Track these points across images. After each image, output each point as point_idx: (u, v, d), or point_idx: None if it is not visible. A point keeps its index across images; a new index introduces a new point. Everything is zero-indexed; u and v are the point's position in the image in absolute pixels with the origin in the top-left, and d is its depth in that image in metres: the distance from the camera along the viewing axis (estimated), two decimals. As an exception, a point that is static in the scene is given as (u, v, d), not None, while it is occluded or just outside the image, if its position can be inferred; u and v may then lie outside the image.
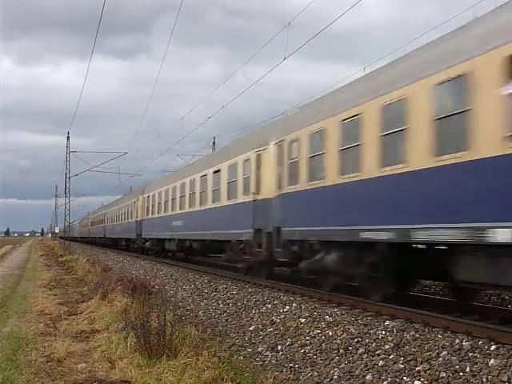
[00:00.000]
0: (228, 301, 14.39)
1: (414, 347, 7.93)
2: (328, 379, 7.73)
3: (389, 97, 10.35)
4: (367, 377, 7.45)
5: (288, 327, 10.56)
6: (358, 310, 10.84)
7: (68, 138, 52.62)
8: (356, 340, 8.86)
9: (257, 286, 15.95)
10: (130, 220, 40.56)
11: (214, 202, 21.20)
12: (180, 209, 26.24)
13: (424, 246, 10.26)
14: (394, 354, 7.91)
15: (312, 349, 9.08)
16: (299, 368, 8.42)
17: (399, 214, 9.98)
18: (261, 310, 12.39)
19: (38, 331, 10.82)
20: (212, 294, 15.86)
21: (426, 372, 7.06)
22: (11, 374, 7.69)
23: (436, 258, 9.83)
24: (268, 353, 9.46)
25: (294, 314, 11.24)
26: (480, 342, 7.56)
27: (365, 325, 9.50)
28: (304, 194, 13.38)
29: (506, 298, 12.36)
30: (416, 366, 7.31)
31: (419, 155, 9.43)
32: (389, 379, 7.18)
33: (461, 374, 6.77)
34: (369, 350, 8.33)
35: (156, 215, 31.95)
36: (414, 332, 8.55)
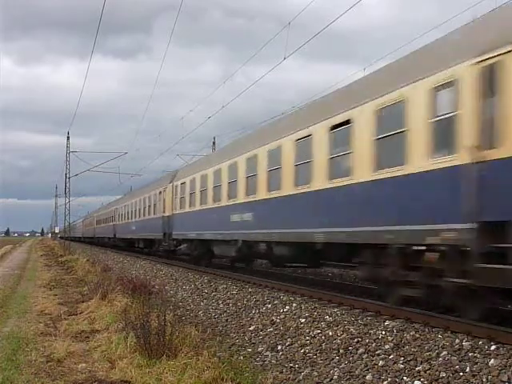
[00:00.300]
0: (228, 301, 14.39)
1: (414, 347, 7.93)
2: (328, 379, 7.73)
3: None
4: (367, 377, 7.45)
5: (288, 327, 10.56)
6: (357, 310, 10.85)
7: (68, 137, 52.61)
8: (356, 340, 8.86)
9: (257, 285, 15.96)
10: (152, 215, 32.24)
11: (331, 179, 12.47)
12: (248, 195, 17.33)
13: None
14: (394, 354, 7.91)
15: (312, 349, 9.09)
16: (299, 368, 8.42)
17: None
18: (261, 310, 12.39)
19: (38, 331, 10.81)
20: (212, 294, 15.86)
21: (425, 372, 7.07)
22: (11, 374, 7.69)
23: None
24: (268, 353, 9.46)
25: (294, 314, 11.24)
26: (480, 342, 7.57)
27: (365, 325, 9.50)
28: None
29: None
30: (416, 366, 7.31)
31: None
32: (389, 379, 7.19)
33: (461, 373, 6.77)
34: (369, 350, 8.33)
35: (197, 207, 22.96)
36: (414, 332, 8.55)
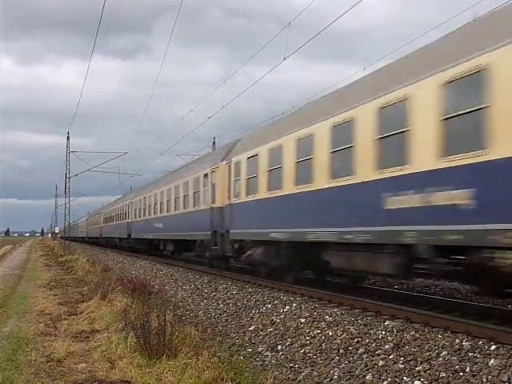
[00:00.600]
0: (228, 301, 14.39)
1: (414, 347, 7.93)
2: (328, 379, 7.74)
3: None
4: (367, 377, 7.45)
5: (288, 327, 10.56)
6: (357, 310, 10.84)
7: (68, 138, 52.56)
8: (356, 340, 8.86)
9: (257, 285, 15.96)
10: (192, 208, 23.79)
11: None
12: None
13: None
14: (394, 354, 7.91)
15: (312, 349, 9.09)
16: (299, 368, 8.42)
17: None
18: (261, 310, 12.39)
19: (38, 331, 10.81)
20: (212, 294, 15.86)
21: (425, 372, 7.07)
22: (11, 374, 7.69)
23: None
24: (268, 353, 9.46)
25: (294, 314, 11.24)
26: (480, 342, 7.56)
27: (365, 325, 9.50)
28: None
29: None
30: (416, 366, 7.31)
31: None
32: (389, 379, 7.19)
33: (461, 374, 6.77)
34: (369, 350, 8.33)
35: (289, 190, 14.35)
36: (414, 332, 8.55)
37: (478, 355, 7.12)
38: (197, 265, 24.53)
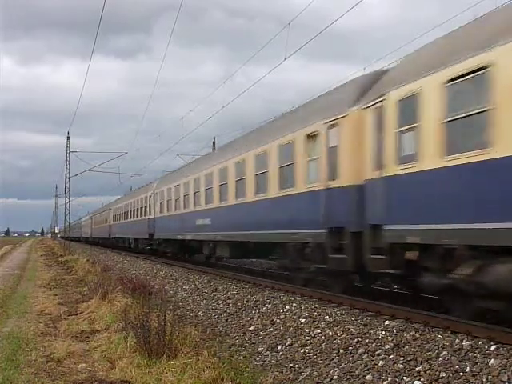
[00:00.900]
0: (228, 301, 14.39)
1: (414, 347, 7.93)
2: (328, 379, 7.73)
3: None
4: (367, 377, 7.45)
5: (288, 327, 10.56)
6: (357, 310, 10.84)
7: (68, 137, 52.63)
8: (356, 340, 8.86)
9: (257, 285, 15.95)
10: (273, 194, 15.43)
11: None
12: None
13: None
14: (394, 354, 7.91)
15: (312, 349, 9.08)
16: (299, 368, 8.42)
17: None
18: (261, 310, 12.39)
19: (38, 331, 10.82)
20: (212, 294, 15.86)
21: (425, 372, 7.07)
22: (11, 374, 7.69)
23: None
24: (268, 353, 9.46)
25: (294, 314, 11.24)
26: (480, 342, 7.56)
27: (365, 325, 9.50)
28: None
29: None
30: (416, 366, 7.31)
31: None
32: (389, 379, 7.18)
33: (461, 373, 6.77)
34: (369, 350, 8.33)
35: None
36: (414, 332, 8.55)
37: (478, 355, 7.12)
38: (195, 265, 24.51)
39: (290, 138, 14.39)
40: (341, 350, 8.65)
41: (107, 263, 30.28)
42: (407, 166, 9.70)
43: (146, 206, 33.63)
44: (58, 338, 10.05)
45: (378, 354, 8.05)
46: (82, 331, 10.89)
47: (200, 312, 13.89)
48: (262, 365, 8.84)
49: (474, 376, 6.62)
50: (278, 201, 15.09)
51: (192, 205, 23.37)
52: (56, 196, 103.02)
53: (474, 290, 8.45)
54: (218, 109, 28.92)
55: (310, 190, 13.21)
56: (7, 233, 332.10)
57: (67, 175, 52.83)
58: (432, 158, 9.07)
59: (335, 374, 7.84)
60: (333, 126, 12.31)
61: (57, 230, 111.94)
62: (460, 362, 7.06)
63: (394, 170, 10.06)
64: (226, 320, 12.48)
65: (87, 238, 74.68)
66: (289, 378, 8.01)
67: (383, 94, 10.48)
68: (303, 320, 10.68)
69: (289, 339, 9.88)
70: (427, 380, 6.88)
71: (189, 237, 23.87)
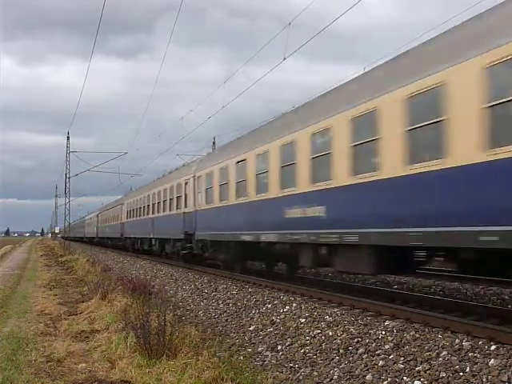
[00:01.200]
0: (228, 301, 14.39)
1: (414, 347, 7.93)
2: (328, 379, 7.73)
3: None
4: (367, 377, 7.45)
5: (288, 327, 10.56)
6: (357, 310, 10.84)
7: (68, 138, 52.60)
8: (356, 340, 8.86)
9: (257, 286, 15.96)
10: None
11: None
12: None
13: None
14: (394, 354, 7.91)
15: (312, 349, 9.08)
16: (299, 368, 8.42)
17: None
18: (261, 310, 12.39)
19: (38, 331, 10.82)
20: (212, 294, 15.86)
21: (425, 372, 7.06)
22: (11, 374, 7.70)
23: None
24: (268, 353, 9.46)
25: (294, 314, 11.24)
26: (480, 342, 7.56)
27: (365, 325, 9.50)
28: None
29: (506, 297, 12.37)
30: (416, 366, 7.31)
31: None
32: (389, 379, 7.18)
33: (461, 373, 6.77)
34: (369, 350, 8.33)
35: None
36: (414, 332, 8.55)
37: (478, 355, 7.12)
38: (195, 265, 24.51)
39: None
40: (341, 350, 8.65)
41: (107, 263, 30.29)
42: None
43: (179, 197, 25.87)
44: (57, 338, 10.05)
45: (378, 354, 8.05)
46: (82, 331, 10.89)
47: (200, 312, 13.88)
48: (261, 365, 8.84)
49: (473, 376, 6.62)
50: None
51: (276, 187, 14.84)
52: (56, 196, 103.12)
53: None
54: (218, 109, 28.88)
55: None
56: (7, 233, 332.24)
57: (67, 175, 52.85)
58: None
59: (335, 374, 7.84)
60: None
61: (57, 230, 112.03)
62: (460, 361, 7.06)
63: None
64: (226, 320, 12.48)
65: (92, 238, 65.75)
66: (289, 378, 8.01)
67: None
68: (303, 320, 10.68)
69: (289, 339, 9.87)
70: (427, 380, 6.88)
71: (269, 238, 15.37)
